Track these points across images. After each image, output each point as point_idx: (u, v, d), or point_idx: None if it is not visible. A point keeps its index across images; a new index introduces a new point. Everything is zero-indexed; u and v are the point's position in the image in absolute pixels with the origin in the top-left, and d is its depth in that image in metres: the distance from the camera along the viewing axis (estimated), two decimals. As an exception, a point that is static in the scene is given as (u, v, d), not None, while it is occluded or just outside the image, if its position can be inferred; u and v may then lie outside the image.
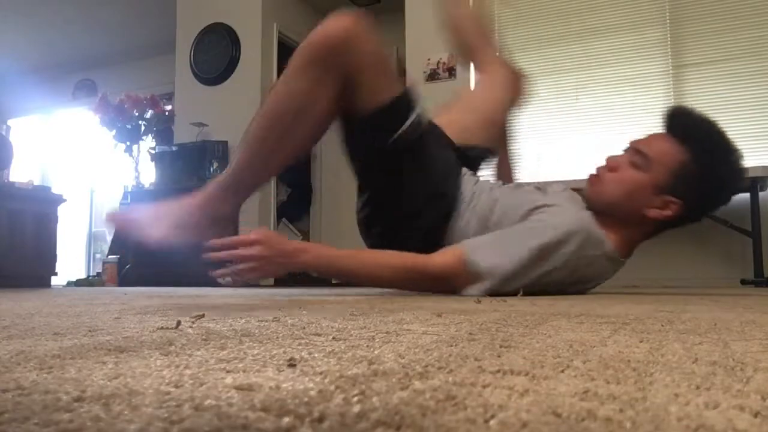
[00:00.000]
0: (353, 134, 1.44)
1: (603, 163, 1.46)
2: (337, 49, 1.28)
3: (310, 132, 1.36)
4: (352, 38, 1.29)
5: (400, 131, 1.37)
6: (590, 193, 1.44)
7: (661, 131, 1.42)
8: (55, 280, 3.68)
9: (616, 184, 1.39)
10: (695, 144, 1.34)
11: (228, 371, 0.32)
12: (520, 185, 1.65)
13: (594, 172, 1.46)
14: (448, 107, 1.77)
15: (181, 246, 1.29)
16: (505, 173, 1.89)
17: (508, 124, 1.84)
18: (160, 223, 1.29)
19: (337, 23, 1.29)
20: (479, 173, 1.67)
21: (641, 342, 0.46)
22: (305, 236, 4.99)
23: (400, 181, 1.46)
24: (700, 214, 1.43)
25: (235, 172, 1.36)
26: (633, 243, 1.43)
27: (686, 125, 1.39)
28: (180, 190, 4.11)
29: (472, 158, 1.63)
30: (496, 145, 1.77)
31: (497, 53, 1.92)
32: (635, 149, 1.40)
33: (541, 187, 1.56)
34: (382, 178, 1.48)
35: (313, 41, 1.30)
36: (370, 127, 1.39)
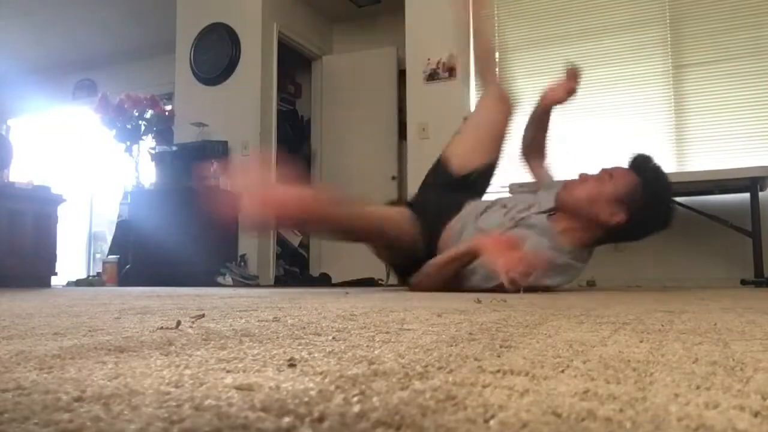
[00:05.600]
0: None
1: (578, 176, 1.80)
2: None
3: None
4: None
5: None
6: (562, 195, 1.80)
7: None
8: (55, 280, 3.68)
9: (583, 190, 1.77)
10: (647, 176, 1.75)
11: (228, 371, 0.32)
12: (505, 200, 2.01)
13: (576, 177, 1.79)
14: (460, 135, 2.23)
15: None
16: (538, 175, 2.28)
17: (506, 136, 2.24)
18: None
19: None
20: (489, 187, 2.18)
21: (641, 342, 0.46)
22: (306, 238, 4.98)
23: None
24: (637, 232, 1.80)
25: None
26: (586, 242, 1.79)
27: (644, 163, 1.78)
28: (180, 190, 4.14)
29: (473, 181, 2.08)
30: (496, 156, 2.17)
31: (496, 75, 2.37)
32: (603, 170, 1.79)
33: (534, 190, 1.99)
34: None
35: None
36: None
